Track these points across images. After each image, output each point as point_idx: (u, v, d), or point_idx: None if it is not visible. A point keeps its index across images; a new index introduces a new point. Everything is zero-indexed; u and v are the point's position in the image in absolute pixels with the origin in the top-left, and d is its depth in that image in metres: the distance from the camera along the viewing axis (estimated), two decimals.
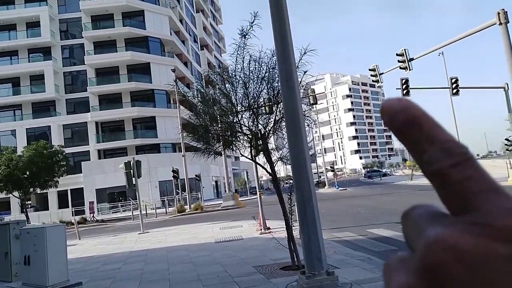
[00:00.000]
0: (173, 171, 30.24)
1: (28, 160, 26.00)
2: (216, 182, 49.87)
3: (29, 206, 32.94)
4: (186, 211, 28.69)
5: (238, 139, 9.80)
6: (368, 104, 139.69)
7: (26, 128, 40.18)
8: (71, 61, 43.32)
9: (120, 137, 41.48)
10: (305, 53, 8.67)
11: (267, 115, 9.42)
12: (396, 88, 21.25)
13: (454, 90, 21.25)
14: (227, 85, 9.55)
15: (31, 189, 27.53)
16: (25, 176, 26.14)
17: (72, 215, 32.28)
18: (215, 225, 16.71)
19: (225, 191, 34.63)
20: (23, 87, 41.56)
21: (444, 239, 0.25)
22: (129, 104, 41.77)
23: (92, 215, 31.50)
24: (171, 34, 45.08)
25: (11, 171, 25.43)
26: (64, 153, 29.36)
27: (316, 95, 25.42)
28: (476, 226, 0.25)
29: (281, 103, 8.89)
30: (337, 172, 58.68)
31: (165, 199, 33.99)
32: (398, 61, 19.32)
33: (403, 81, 20.97)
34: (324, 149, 70.03)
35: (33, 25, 41.71)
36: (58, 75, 42.18)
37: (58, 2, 43.54)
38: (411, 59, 18.96)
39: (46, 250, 7.28)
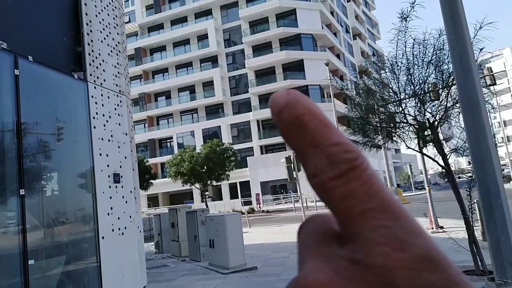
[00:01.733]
0: None
1: (205, 157, 29.97)
2: None
3: (208, 196, 37.87)
4: None
5: (403, 129, 9.20)
6: None
7: (202, 129, 46.40)
8: (234, 66, 47.94)
9: (279, 133, 43.88)
10: (480, 27, 7.54)
11: (436, 102, 8.56)
12: None
13: None
14: (387, 73, 9.06)
15: (208, 182, 31.64)
16: (204, 170, 30.17)
17: (242, 205, 35.84)
18: None
19: (387, 185, 32.87)
20: (197, 93, 48.11)
21: None
22: None
23: (258, 205, 34.35)
24: (322, 28, 45.29)
25: (193, 166, 29.76)
26: (233, 150, 32.75)
27: (494, 74, 21.78)
28: (354, 265, 0.19)
29: (453, 87, 7.93)
30: None
31: None
32: None
33: None
34: (507, 137, 59.49)
35: (202, 37, 47.79)
36: (224, 80, 47.26)
37: (221, 13, 48.77)
38: None
39: (226, 235, 8.26)
